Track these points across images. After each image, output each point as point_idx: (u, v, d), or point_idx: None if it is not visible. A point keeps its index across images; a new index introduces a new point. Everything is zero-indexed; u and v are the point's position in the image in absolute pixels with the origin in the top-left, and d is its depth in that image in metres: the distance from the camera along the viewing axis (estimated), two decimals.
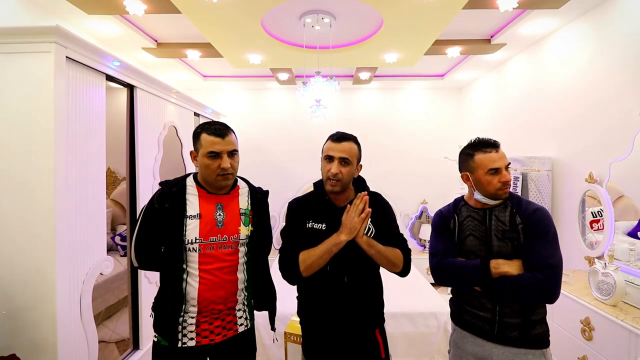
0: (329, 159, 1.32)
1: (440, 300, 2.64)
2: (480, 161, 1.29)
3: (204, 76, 4.20)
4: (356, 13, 2.54)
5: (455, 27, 2.82)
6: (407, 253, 1.34)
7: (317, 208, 1.37)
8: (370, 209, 1.25)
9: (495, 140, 1.32)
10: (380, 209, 1.38)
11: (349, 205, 1.27)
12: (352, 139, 1.36)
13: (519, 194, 2.74)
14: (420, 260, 4.22)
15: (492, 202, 1.32)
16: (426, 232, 4.41)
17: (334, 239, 1.26)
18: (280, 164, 4.73)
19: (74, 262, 1.88)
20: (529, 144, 3.13)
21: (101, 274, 2.08)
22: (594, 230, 2.23)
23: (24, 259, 1.68)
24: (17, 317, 1.69)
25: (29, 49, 1.67)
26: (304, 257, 1.30)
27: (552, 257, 1.18)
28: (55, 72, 1.68)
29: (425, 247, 4.51)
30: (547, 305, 1.28)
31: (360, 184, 1.43)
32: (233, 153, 1.32)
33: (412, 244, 4.62)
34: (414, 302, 2.58)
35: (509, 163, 1.31)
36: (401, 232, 1.40)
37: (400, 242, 1.35)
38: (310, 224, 1.35)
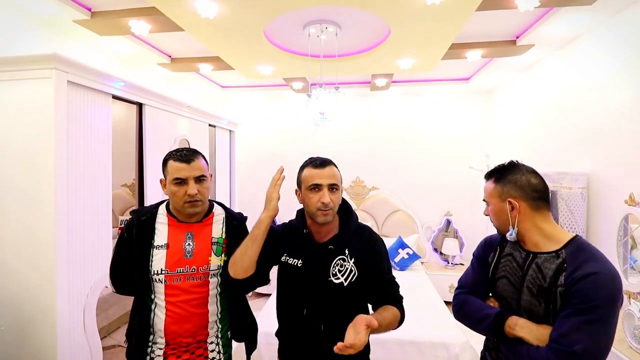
0: (315, 188, 1.21)
1: (453, 327, 2.41)
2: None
3: (222, 87, 4.27)
4: (361, 22, 2.41)
5: (474, 29, 2.58)
6: (401, 303, 1.20)
7: (295, 242, 1.28)
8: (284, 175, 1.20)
9: None
10: (369, 246, 1.25)
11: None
12: (332, 162, 1.27)
13: None
14: (443, 277, 3.96)
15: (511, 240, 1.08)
16: (450, 246, 4.12)
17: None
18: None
19: (77, 275, 1.95)
20: (560, 157, 2.79)
21: (106, 287, 2.15)
22: None
23: (29, 272, 1.78)
24: (20, 327, 1.79)
25: (32, 75, 1.76)
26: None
27: (580, 343, 0.87)
28: (55, 94, 1.76)
29: (448, 262, 4.23)
30: None
31: (346, 212, 1.31)
32: (201, 179, 1.28)
33: (434, 257, 4.35)
34: (424, 328, 2.38)
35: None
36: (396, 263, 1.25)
37: (391, 290, 1.21)
38: (285, 258, 1.26)
